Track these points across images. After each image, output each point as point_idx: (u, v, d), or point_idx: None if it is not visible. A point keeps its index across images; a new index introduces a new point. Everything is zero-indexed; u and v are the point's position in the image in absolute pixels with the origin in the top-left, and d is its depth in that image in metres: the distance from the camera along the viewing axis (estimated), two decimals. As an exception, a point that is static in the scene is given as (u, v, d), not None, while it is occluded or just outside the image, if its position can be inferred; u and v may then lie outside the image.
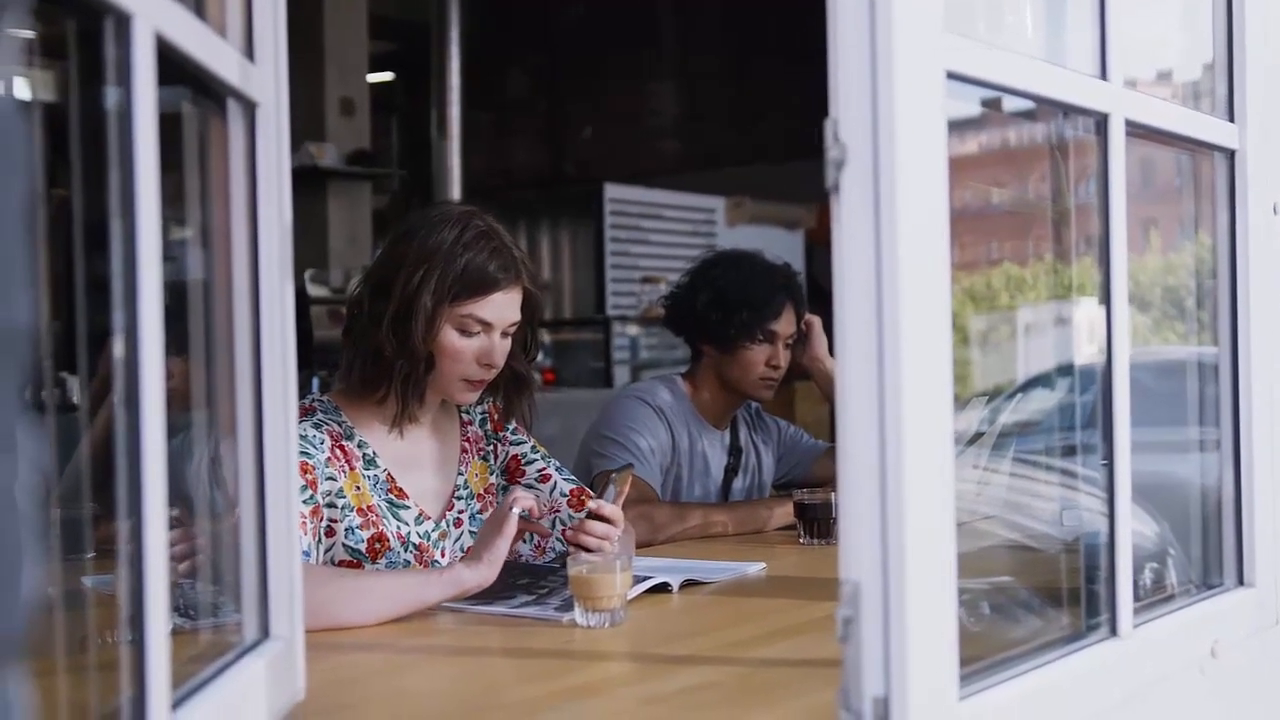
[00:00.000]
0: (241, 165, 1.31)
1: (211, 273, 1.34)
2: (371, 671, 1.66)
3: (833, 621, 1.16)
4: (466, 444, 2.32)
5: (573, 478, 2.37)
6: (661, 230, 7.91)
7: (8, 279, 0.51)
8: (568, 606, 1.86)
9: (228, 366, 1.33)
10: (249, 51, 1.31)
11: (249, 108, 1.31)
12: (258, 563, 1.34)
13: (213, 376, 1.35)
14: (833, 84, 1.15)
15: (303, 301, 6.26)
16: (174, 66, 1.08)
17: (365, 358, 2.15)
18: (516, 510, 1.96)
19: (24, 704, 0.56)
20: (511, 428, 2.37)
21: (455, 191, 8.32)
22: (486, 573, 1.93)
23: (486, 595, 1.97)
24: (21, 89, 0.58)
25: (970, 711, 1.21)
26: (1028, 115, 1.67)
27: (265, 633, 1.34)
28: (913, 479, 1.13)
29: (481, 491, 2.31)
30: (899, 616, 1.12)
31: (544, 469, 2.35)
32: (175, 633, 1.04)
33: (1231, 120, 1.74)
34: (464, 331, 2.13)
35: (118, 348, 0.97)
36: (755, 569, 2.29)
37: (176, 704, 1.06)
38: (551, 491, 2.31)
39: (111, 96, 0.97)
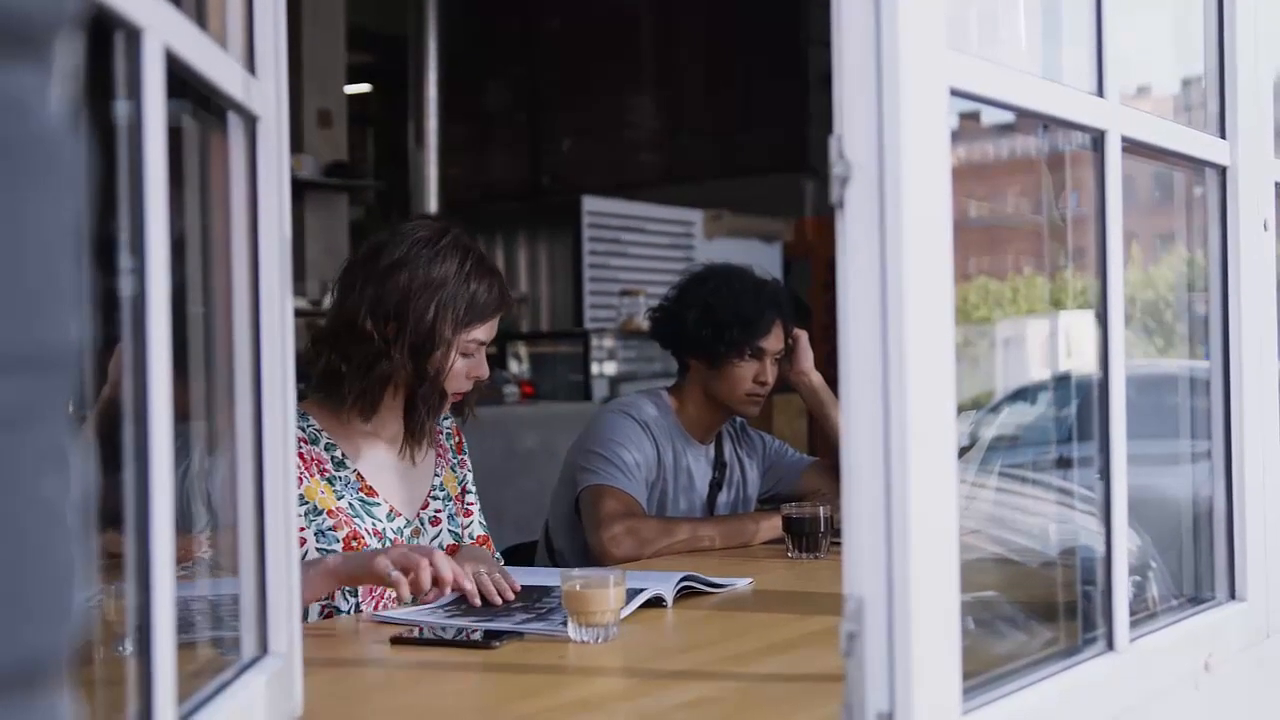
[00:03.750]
0: (242, 178, 1.31)
1: (210, 285, 1.33)
2: (368, 688, 1.65)
3: (828, 636, 1.16)
4: (441, 450, 2.40)
5: (484, 524, 2.47)
6: (640, 243, 7.91)
7: (60, 298, 0.51)
8: None
9: (226, 378, 1.33)
10: (250, 65, 1.31)
11: (250, 121, 1.30)
12: (256, 579, 1.33)
13: (207, 388, 1.34)
14: (837, 100, 1.16)
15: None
16: (175, 79, 1.07)
17: (373, 383, 2.20)
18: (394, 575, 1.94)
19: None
20: (463, 455, 2.47)
21: (432, 204, 8.31)
22: (342, 565, 1.98)
23: (485, 613, 1.97)
24: (73, 108, 0.58)
25: (973, 726, 1.21)
26: (1006, 129, 1.68)
27: (264, 649, 1.33)
28: (917, 494, 1.13)
29: (455, 496, 2.40)
30: (903, 631, 1.13)
31: (473, 504, 2.46)
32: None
33: (1223, 136, 1.76)
34: (466, 354, 2.24)
35: (126, 358, 0.96)
36: (744, 584, 2.29)
37: (181, 721, 1.05)
38: (467, 527, 2.42)
39: (121, 109, 0.96)
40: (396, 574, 1.91)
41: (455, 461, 2.43)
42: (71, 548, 0.52)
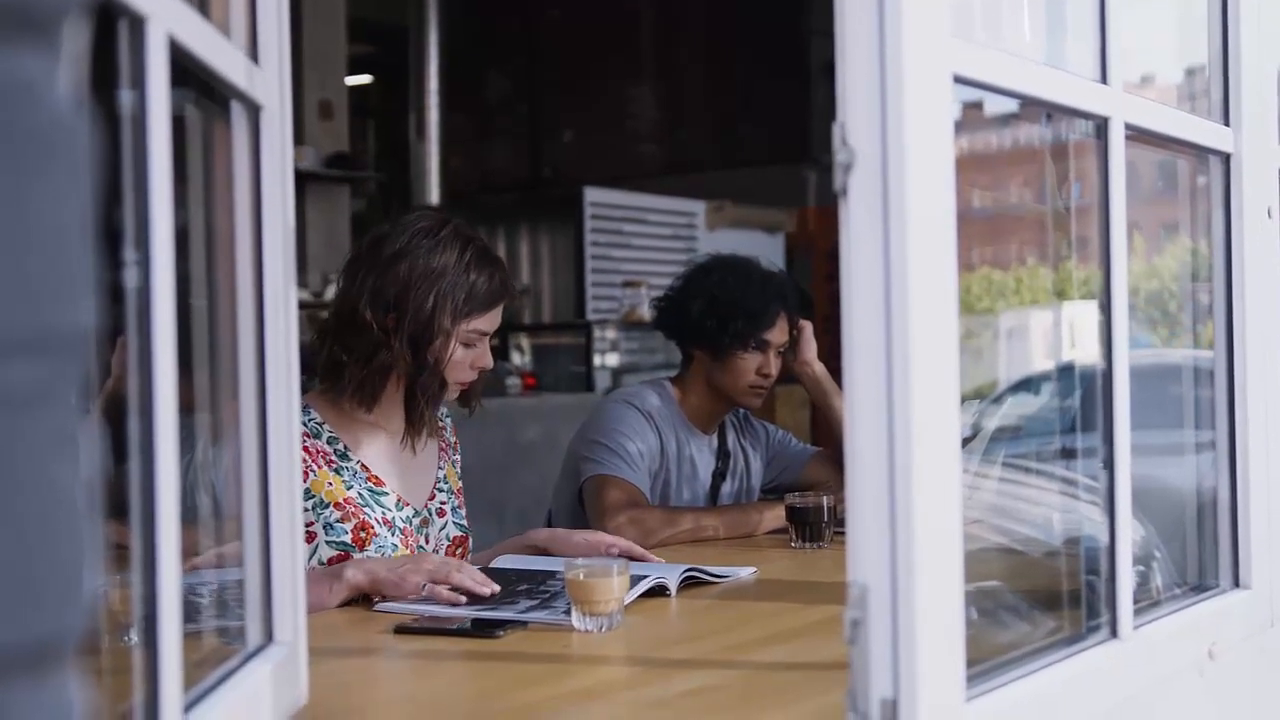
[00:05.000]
0: (245, 168, 1.31)
1: (213, 275, 1.33)
2: (372, 677, 1.66)
3: (832, 624, 1.16)
4: (443, 445, 2.42)
5: (464, 524, 2.43)
6: (642, 234, 7.90)
7: (70, 282, 0.51)
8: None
9: (230, 370, 1.33)
10: (253, 54, 1.31)
11: (253, 111, 1.30)
12: (261, 567, 1.33)
13: (210, 379, 1.34)
14: (841, 87, 1.15)
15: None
16: (179, 68, 1.07)
17: (373, 373, 2.20)
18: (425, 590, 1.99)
19: (83, 705, 0.56)
20: (456, 455, 2.48)
21: (434, 195, 8.30)
22: (361, 578, 2.00)
23: (489, 600, 1.97)
24: (84, 93, 0.58)
25: (977, 712, 1.21)
26: (1009, 119, 1.67)
27: (269, 637, 1.33)
28: (921, 480, 1.13)
29: (457, 489, 2.41)
30: (907, 618, 1.13)
31: (459, 504, 2.44)
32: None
33: (1227, 124, 1.75)
34: (467, 344, 2.24)
35: (131, 350, 0.96)
36: (747, 573, 2.29)
37: (187, 708, 1.05)
38: (443, 529, 2.37)
39: (125, 98, 0.96)
40: (432, 586, 1.96)
41: (454, 460, 2.45)
42: (82, 530, 0.52)
